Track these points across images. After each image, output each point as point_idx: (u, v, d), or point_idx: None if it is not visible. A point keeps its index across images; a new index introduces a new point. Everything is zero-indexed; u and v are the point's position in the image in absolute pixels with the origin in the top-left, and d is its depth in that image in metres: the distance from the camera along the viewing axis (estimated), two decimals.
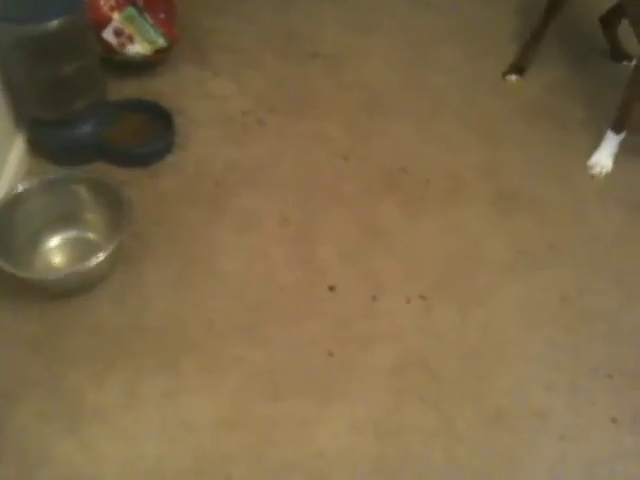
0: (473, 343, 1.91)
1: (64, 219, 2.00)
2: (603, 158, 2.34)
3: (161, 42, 2.53)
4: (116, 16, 2.46)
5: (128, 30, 2.48)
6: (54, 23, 1.93)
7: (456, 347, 1.89)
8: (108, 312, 1.88)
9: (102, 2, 2.42)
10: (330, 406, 1.75)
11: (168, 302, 1.92)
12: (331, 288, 2.00)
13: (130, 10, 2.48)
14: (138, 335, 1.84)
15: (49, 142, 2.21)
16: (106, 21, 2.44)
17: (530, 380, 1.84)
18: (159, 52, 2.55)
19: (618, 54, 2.70)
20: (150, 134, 2.33)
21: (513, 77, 2.62)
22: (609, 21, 2.68)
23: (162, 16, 2.56)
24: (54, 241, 1.99)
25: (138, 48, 2.50)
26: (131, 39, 2.49)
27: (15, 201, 1.92)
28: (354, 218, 2.17)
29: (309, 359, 1.84)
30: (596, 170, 2.33)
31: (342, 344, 1.88)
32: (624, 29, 2.64)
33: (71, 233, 2.01)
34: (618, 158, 2.36)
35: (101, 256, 1.80)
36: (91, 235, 2.01)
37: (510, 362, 1.88)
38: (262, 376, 1.80)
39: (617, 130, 2.31)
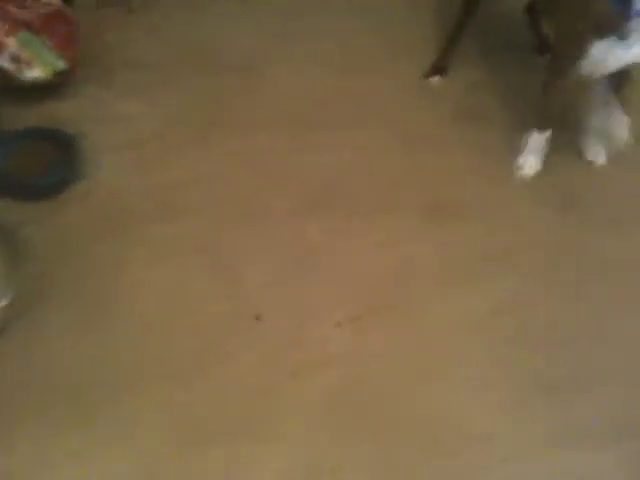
0: (407, 365, 1.81)
1: None
2: (531, 158, 2.22)
3: (61, 64, 2.36)
4: (11, 41, 2.29)
5: (25, 55, 2.31)
6: None
7: (389, 371, 1.79)
8: (12, 369, 1.71)
9: None
10: (260, 449, 1.63)
11: (76, 351, 1.77)
12: (257, 317, 1.88)
13: (25, 34, 2.32)
14: (47, 391, 1.68)
15: None
16: (1, 47, 2.27)
17: (469, 401, 1.75)
18: (60, 75, 2.37)
19: (543, 47, 2.60)
20: (52, 163, 2.16)
21: (436, 79, 2.52)
22: (533, 10, 2.59)
23: (60, 37, 2.38)
24: None
25: (37, 72, 2.32)
26: (29, 64, 2.31)
27: None
28: (279, 240, 2.05)
29: (235, 399, 1.72)
30: (524, 171, 2.22)
31: (271, 379, 1.76)
32: None
33: None
34: (548, 157, 2.28)
35: None
36: None
37: (447, 383, 1.78)
38: (185, 424, 1.66)
39: (541, 127, 2.20)
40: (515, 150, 2.28)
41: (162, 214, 2.08)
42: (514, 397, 1.76)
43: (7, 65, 2.28)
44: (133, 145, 2.27)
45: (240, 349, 1.81)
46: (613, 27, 1.78)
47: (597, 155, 2.26)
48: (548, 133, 2.19)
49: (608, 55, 1.86)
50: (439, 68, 2.53)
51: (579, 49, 1.86)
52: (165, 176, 2.18)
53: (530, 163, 2.23)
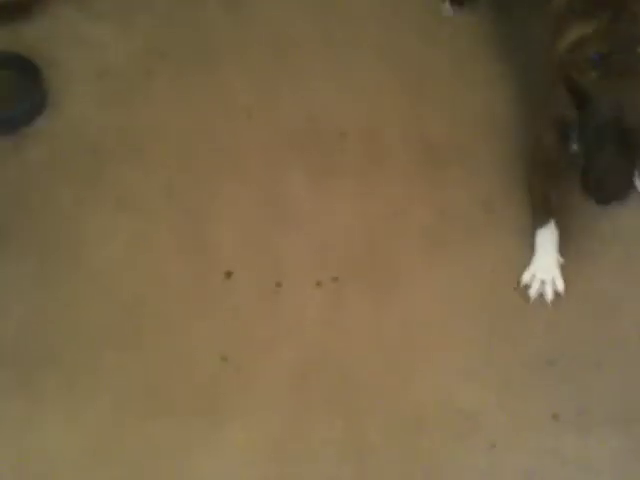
0: (390, 335, 1.64)
1: None
2: (541, 269, 1.69)
3: None
4: None
5: None
6: None
7: (370, 341, 1.63)
8: None
9: None
10: (221, 425, 1.50)
11: (28, 304, 1.63)
12: (227, 275, 1.71)
13: None
14: None
15: None
16: None
17: (456, 375, 1.58)
18: None
19: None
20: (14, 94, 1.98)
21: (448, 6, 2.21)
22: None
23: None
24: None
25: None
26: None
27: None
28: (256, 188, 1.86)
29: (198, 367, 1.58)
30: (533, 291, 1.68)
31: (239, 346, 1.61)
32: None
33: None
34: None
35: None
36: None
37: (432, 356, 1.61)
38: (138, 393, 1.54)
39: (540, 222, 1.74)
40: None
41: (130, 157, 1.89)
42: (510, 372, 1.59)
43: None
44: (105, 75, 2.07)
45: (207, 311, 1.66)
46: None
47: None
48: (552, 225, 1.73)
49: None
50: None
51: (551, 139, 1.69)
52: (136, 114, 1.98)
53: (542, 276, 1.69)
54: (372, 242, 1.77)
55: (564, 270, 1.70)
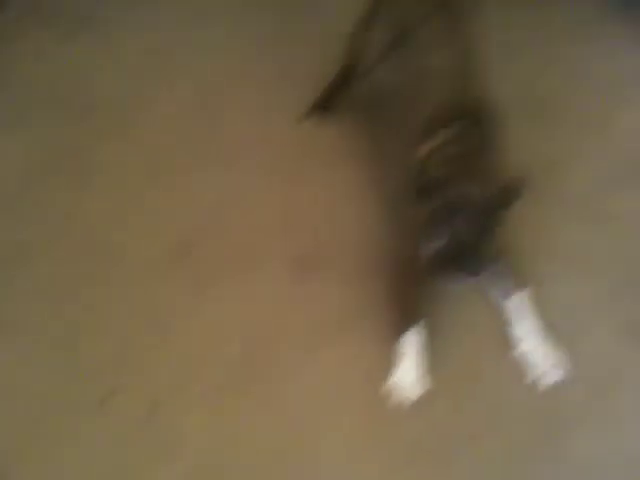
0: (269, 438, 1.72)
1: None
2: (405, 374, 1.81)
3: None
4: None
5: None
6: None
7: (251, 444, 1.70)
8: None
9: None
10: None
11: None
12: (103, 401, 1.74)
13: None
14: None
15: None
16: None
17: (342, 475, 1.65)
18: None
19: None
20: None
21: (314, 118, 2.37)
22: None
23: None
24: None
25: None
26: None
27: None
28: (134, 306, 1.91)
29: None
30: (398, 395, 1.80)
31: (122, 462, 1.64)
32: None
33: None
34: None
35: None
36: None
37: (315, 459, 1.69)
38: None
39: (404, 328, 1.84)
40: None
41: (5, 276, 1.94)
42: (391, 467, 1.68)
43: None
44: None
45: (80, 437, 1.68)
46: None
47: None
48: (419, 328, 1.85)
49: None
50: (321, 107, 2.34)
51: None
52: (20, 229, 2.06)
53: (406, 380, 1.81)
54: (247, 351, 1.85)
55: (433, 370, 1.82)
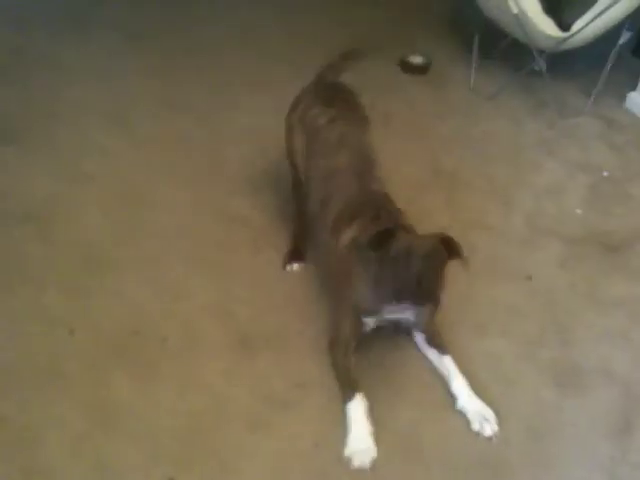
0: None
1: None
2: (356, 441, 1.86)
3: None
4: None
5: None
6: None
7: None
8: None
9: None
10: None
11: None
12: None
13: None
14: None
15: None
16: None
17: None
18: None
19: None
20: None
21: (295, 265, 2.39)
22: None
23: None
24: None
25: None
26: None
27: None
28: (81, 401, 1.93)
29: None
30: (354, 463, 1.83)
31: None
32: None
33: None
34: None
35: None
36: None
37: None
38: None
39: (347, 396, 1.93)
40: None
41: None
42: None
43: None
44: None
45: None
46: (371, 309, 1.96)
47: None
48: (360, 398, 1.93)
49: (379, 320, 2.01)
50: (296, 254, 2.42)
51: (349, 323, 2.01)
52: None
53: (361, 448, 1.85)
54: (200, 434, 1.88)
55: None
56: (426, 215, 2.29)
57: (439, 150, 2.98)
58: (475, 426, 1.93)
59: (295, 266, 2.37)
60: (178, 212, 2.56)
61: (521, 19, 3.02)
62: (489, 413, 1.94)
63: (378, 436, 1.88)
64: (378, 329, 2.06)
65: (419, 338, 2.11)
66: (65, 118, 2.96)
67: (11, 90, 3.07)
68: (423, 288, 1.77)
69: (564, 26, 3.06)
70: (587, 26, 3.04)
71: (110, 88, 3.18)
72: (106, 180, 2.66)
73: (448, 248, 1.83)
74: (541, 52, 3.18)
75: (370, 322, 2.01)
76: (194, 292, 2.28)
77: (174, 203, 2.59)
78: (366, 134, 2.28)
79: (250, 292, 2.29)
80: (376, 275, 1.88)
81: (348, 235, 2.01)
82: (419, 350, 2.12)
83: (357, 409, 1.91)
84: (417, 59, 3.47)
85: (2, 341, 2.07)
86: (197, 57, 3.45)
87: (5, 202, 2.52)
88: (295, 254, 2.39)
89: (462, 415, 1.96)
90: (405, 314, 1.99)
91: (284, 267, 2.37)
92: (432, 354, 2.08)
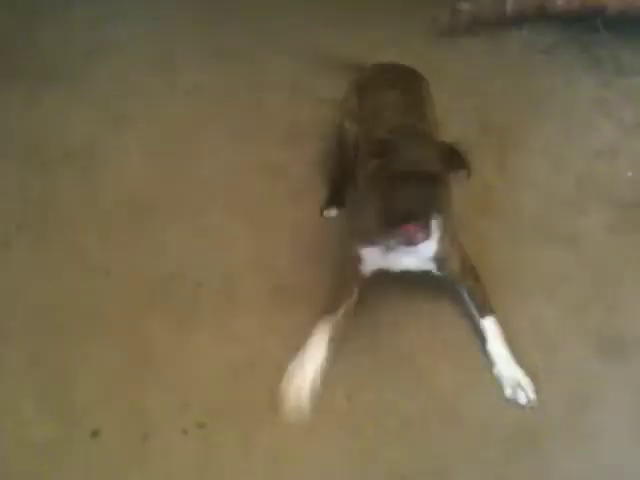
0: (260, 470, 1.72)
1: None
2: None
3: None
4: None
5: None
6: None
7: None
8: None
9: None
10: None
11: None
12: (95, 433, 1.75)
13: None
14: None
15: None
16: None
17: None
18: None
19: None
20: None
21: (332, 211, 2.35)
22: None
23: None
24: None
25: None
26: None
27: None
28: (117, 343, 1.94)
29: None
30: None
31: None
32: None
33: None
34: None
35: None
36: None
37: None
38: None
39: (327, 311, 1.95)
40: None
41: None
42: None
43: None
44: None
45: (74, 471, 1.68)
46: (379, 239, 1.86)
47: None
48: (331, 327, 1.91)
49: (380, 260, 1.91)
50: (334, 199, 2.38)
51: (355, 252, 1.93)
52: None
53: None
54: (233, 383, 1.88)
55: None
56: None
57: (489, 106, 2.86)
58: (508, 392, 1.88)
59: (333, 212, 2.33)
60: (220, 161, 2.50)
61: None
62: (525, 380, 1.89)
63: (415, 395, 1.86)
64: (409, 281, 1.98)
65: (465, 296, 2.03)
66: (108, 58, 2.92)
67: (53, 25, 3.02)
68: (412, 208, 1.69)
69: None
70: None
71: (157, 31, 3.12)
72: (148, 125, 2.62)
73: (454, 160, 1.75)
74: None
75: (371, 260, 1.92)
76: (233, 241, 2.25)
77: (217, 152, 2.54)
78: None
79: (289, 243, 2.25)
80: (371, 197, 1.81)
81: (374, 163, 1.90)
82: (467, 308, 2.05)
83: (322, 333, 1.88)
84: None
85: (41, 282, 2.08)
86: (247, 6, 3.33)
87: (45, 142, 2.50)
88: (333, 199, 2.35)
89: (500, 379, 1.90)
90: (409, 259, 1.88)
91: (322, 213, 2.32)
92: (475, 314, 2.00)
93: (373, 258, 1.93)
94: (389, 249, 1.87)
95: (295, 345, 1.94)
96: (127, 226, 2.25)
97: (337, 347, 1.90)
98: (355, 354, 1.94)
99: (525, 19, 3.26)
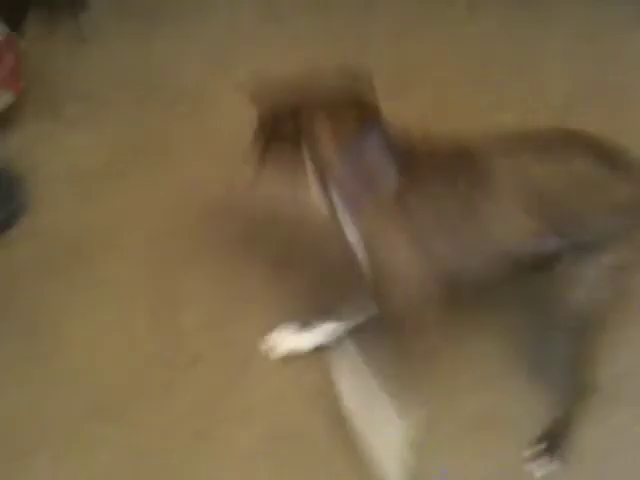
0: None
1: None
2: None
3: (7, 98, 2.35)
4: None
5: None
6: None
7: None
8: None
9: None
10: None
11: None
12: (196, 359, 1.84)
13: None
14: None
15: None
16: None
17: None
18: (6, 108, 2.36)
19: None
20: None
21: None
22: None
23: (6, 70, 2.36)
24: None
25: None
26: None
27: None
28: (221, 277, 2.01)
29: (173, 442, 1.69)
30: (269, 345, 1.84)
31: (211, 421, 1.73)
32: None
33: None
34: None
35: None
36: None
37: None
38: (123, 463, 1.64)
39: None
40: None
41: (105, 252, 2.07)
42: None
43: None
44: (81, 177, 2.27)
45: (180, 389, 1.78)
46: None
47: None
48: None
49: None
50: None
51: None
52: (111, 209, 2.18)
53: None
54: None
55: None
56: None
57: (605, 65, 2.71)
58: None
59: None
60: None
61: None
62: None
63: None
64: None
65: None
66: (218, 4, 2.94)
67: None
68: None
69: None
70: None
71: None
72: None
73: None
74: None
75: None
76: None
77: None
78: None
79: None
80: None
81: None
82: None
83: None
84: None
85: (154, 212, 2.17)
86: None
87: (159, 82, 2.58)
88: None
89: None
90: None
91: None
92: None
93: None
94: None
95: None
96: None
97: None
98: None
99: None
